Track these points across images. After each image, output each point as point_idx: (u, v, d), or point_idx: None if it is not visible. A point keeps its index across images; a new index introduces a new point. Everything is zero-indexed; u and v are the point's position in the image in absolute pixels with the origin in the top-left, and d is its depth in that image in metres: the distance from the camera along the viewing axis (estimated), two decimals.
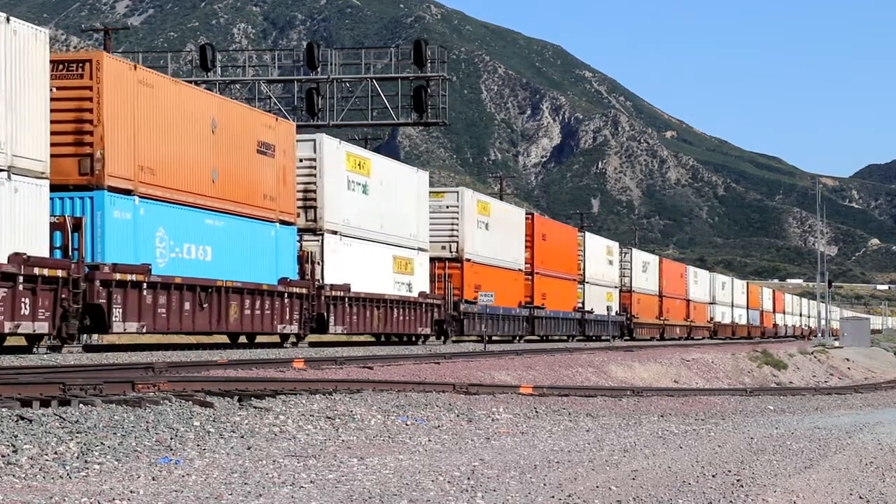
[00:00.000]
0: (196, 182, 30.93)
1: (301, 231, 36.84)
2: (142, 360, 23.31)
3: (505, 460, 13.54)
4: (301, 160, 37.09)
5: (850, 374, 64.24)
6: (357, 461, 13.04)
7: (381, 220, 41.60)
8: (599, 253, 74.40)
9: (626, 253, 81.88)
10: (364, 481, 11.42)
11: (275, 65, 50.39)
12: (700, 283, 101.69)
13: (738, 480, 12.38)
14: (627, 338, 77.77)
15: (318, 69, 47.18)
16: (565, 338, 65.80)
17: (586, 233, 73.96)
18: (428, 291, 45.92)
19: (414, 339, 45.92)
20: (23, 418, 13.37)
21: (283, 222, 35.48)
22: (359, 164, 40.23)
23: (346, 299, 38.58)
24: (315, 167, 37.48)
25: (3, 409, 13.63)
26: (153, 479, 11.25)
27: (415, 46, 47.12)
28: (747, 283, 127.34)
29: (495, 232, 53.63)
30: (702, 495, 11.32)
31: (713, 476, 12.61)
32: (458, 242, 49.48)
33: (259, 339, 37.26)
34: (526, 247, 58.75)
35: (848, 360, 70.97)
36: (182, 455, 12.83)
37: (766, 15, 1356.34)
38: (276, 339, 36.78)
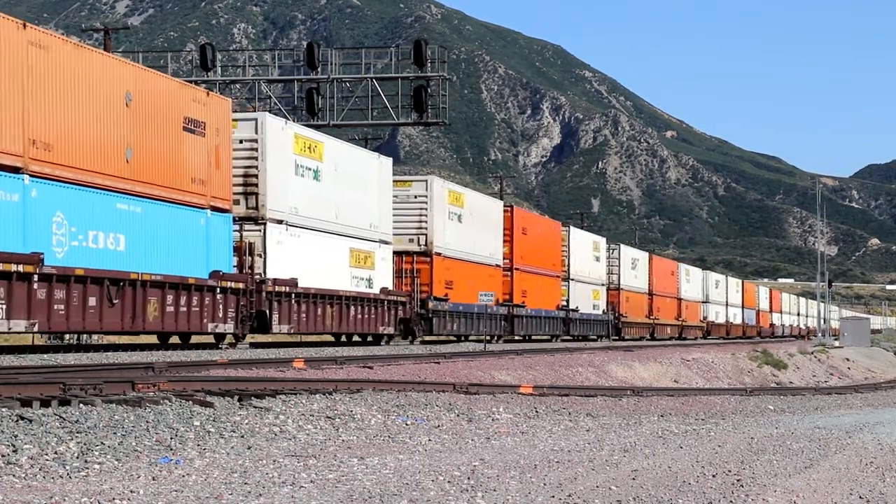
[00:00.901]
0: (105, 161, 27.13)
1: (241, 220, 33.68)
2: (142, 359, 23.30)
3: (505, 460, 13.54)
4: (241, 141, 33.95)
5: (850, 373, 64.24)
6: (357, 461, 13.04)
7: (335, 209, 38.38)
8: (585, 249, 71.36)
9: (613, 249, 78.77)
10: (364, 481, 11.42)
11: (275, 65, 50.35)
12: (692, 281, 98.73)
13: (738, 480, 12.38)
14: (616, 337, 75.01)
15: (319, 69, 47.16)
16: (548, 338, 63.12)
17: (571, 227, 70.46)
18: (391, 287, 42.82)
19: (376, 339, 42.86)
20: (23, 418, 13.37)
21: (216, 209, 31.87)
22: (309, 147, 36.96)
23: (293, 295, 35.29)
24: (257, 149, 34.20)
25: (4, 409, 13.63)
26: (153, 478, 11.25)
27: (415, 46, 47.10)
28: (742, 282, 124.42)
29: (470, 224, 50.31)
30: (702, 495, 11.32)
31: (713, 476, 12.61)
32: (427, 235, 45.83)
33: (195, 339, 34.26)
34: (504, 241, 55.57)
35: (848, 359, 70.95)
36: (182, 455, 12.83)
37: (766, 15, 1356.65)
38: (212, 339, 33.50)
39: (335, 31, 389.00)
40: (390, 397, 20.53)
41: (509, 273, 56.05)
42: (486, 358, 33.45)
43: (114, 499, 10.00)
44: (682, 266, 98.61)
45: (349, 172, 39.59)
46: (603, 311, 73.27)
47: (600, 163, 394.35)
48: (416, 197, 45.98)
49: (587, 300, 69.86)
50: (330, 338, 44.01)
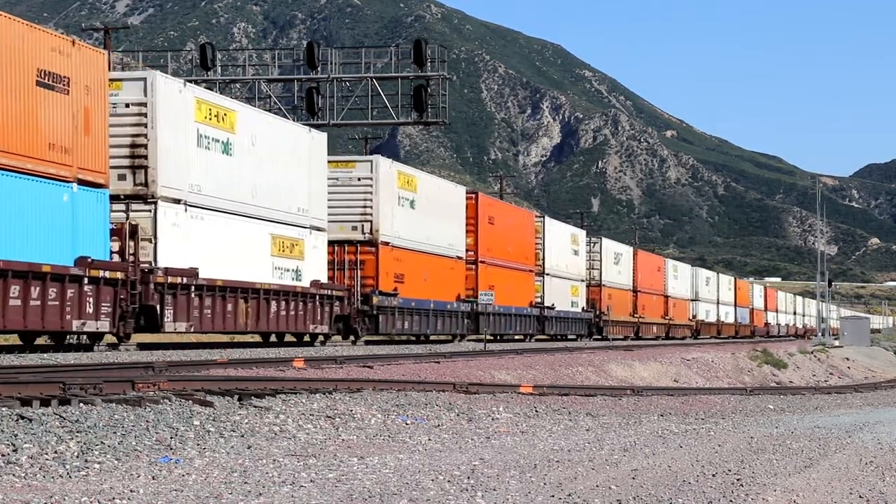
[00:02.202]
0: None
1: (127, 198, 29.00)
2: (141, 359, 23.30)
3: (505, 459, 13.54)
4: (127, 105, 29.23)
5: (850, 373, 64.24)
6: (357, 460, 13.04)
7: (252, 189, 33.78)
8: (562, 241, 66.21)
9: (595, 243, 74.06)
10: (364, 480, 11.42)
11: (275, 64, 50.35)
12: (681, 277, 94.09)
13: (738, 480, 12.38)
14: (597, 337, 71.40)
15: (319, 68, 47.17)
16: (520, 337, 58.93)
17: (546, 218, 65.48)
18: (326, 280, 38.36)
19: (311, 338, 38.60)
20: (23, 417, 13.37)
21: (85, 183, 26.68)
22: (217, 115, 32.14)
23: (192, 288, 30.33)
24: (146, 114, 29.32)
25: (4, 409, 13.63)
26: (153, 478, 11.25)
27: (415, 46, 47.10)
28: (735, 279, 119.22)
29: (424, 211, 45.44)
30: (702, 494, 11.32)
31: (713, 475, 12.61)
32: (372, 222, 41.18)
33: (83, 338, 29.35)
34: (468, 231, 50.85)
35: (848, 359, 70.98)
36: (182, 454, 12.84)
37: (766, 15, 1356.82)
38: (87, 338, 28.75)
39: (335, 30, 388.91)
40: (390, 397, 20.54)
41: (474, 266, 51.72)
42: (485, 357, 33.46)
43: (114, 498, 10.00)
44: (670, 262, 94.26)
45: (270, 147, 35.04)
46: (582, 308, 68.74)
47: (600, 162, 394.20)
48: (359, 179, 41.41)
49: (565, 297, 65.33)
50: (257, 338, 39.71)
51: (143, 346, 31.24)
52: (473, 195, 52.76)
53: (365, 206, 41.28)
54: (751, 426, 20.29)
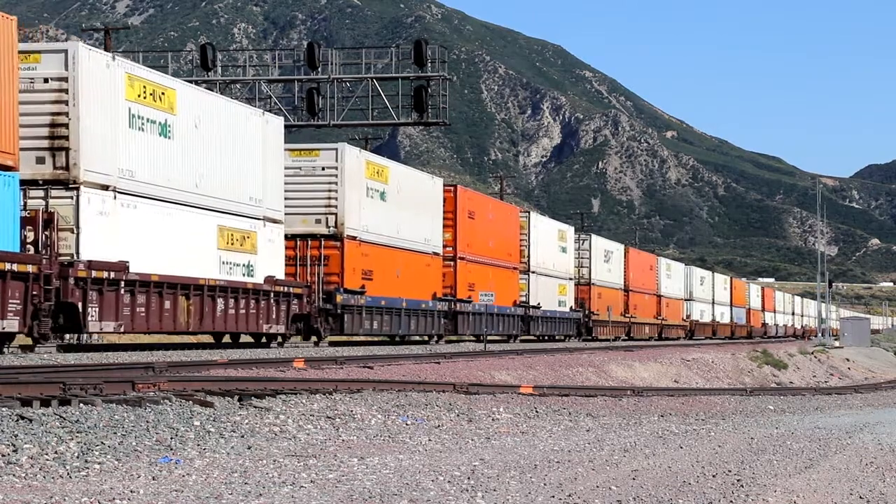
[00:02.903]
0: None
1: (46, 183, 26.31)
2: (141, 359, 23.30)
3: (505, 460, 13.54)
4: (46, 80, 26.51)
5: (851, 374, 64.25)
6: (357, 461, 13.04)
7: (195, 177, 30.80)
8: (549, 238, 62.83)
9: (584, 240, 70.75)
10: (364, 481, 11.42)
11: (275, 64, 50.35)
12: (674, 276, 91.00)
13: (738, 480, 12.38)
14: (586, 337, 68.58)
15: (319, 69, 47.16)
16: (503, 338, 55.75)
17: (531, 213, 61.88)
18: (283, 276, 35.61)
19: (268, 338, 35.61)
20: (23, 418, 13.37)
21: None
22: (153, 94, 29.08)
23: (122, 284, 27.34)
24: (67, 90, 26.55)
25: (4, 409, 13.63)
26: (153, 478, 11.25)
27: (415, 46, 47.09)
28: (731, 279, 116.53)
29: (397, 204, 42.58)
30: (702, 495, 11.32)
31: (713, 476, 12.61)
32: (337, 215, 38.31)
33: None
34: (446, 226, 47.83)
35: (848, 360, 71.00)
36: (182, 455, 12.84)
37: (765, 15, 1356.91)
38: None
39: (335, 31, 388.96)
40: (390, 397, 20.54)
41: (452, 263, 48.52)
42: (486, 358, 33.47)
43: (114, 498, 10.00)
44: (663, 260, 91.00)
45: (218, 130, 32.06)
46: (571, 308, 65.42)
47: (600, 163, 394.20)
48: (323, 169, 38.56)
49: (551, 296, 62.17)
50: (208, 339, 37.22)
51: (66, 349, 28.35)
52: (452, 188, 49.72)
53: (329, 198, 38.43)
54: (751, 427, 20.29)
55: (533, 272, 59.24)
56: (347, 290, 38.43)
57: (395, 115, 48.35)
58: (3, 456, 11.68)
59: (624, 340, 72.79)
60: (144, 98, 28.64)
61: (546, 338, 61.84)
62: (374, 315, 40.46)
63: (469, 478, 11.84)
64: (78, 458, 11.97)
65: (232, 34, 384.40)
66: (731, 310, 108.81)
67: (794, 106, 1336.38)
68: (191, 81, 38.65)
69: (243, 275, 33.17)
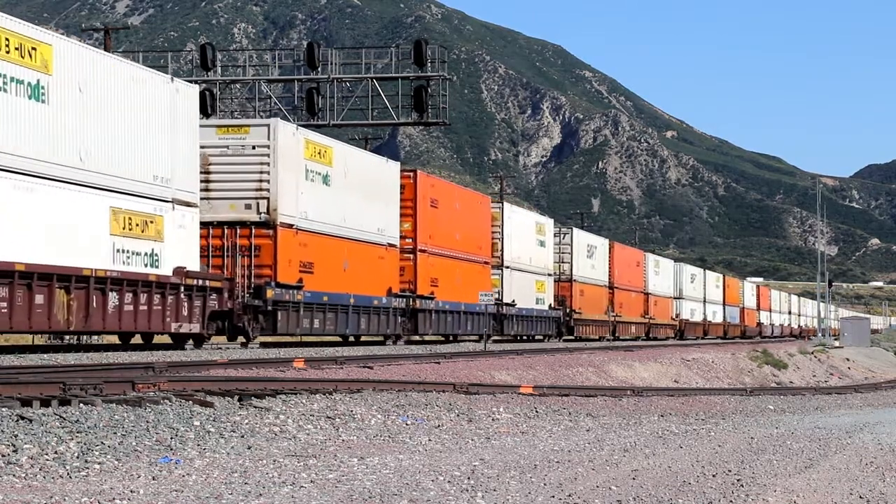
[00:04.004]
0: None
1: None
2: (141, 359, 23.31)
3: (505, 460, 13.54)
4: None
5: (850, 373, 64.26)
6: (357, 461, 13.04)
7: (78, 150, 26.31)
8: (525, 231, 58.61)
9: (564, 234, 66.54)
10: (364, 481, 11.42)
11: (275, 64, 50.36)
12: (663, 274, 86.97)
13: (738, 480, 12.38)
14: (567, 337, 64.63)
15: (319, 69, 47.17)
16: (474, 338, 51.89)
17: (505, 204, 57.35)
18: (197, 268, 31.13)
19: (177, 340, 31.76)
20: (23, 418, 13.37)
21: None
22: (19, 49, 24.56)
23: None
24: None
25: (4, 409, 13.63)
26: (153, 478, 11.25)
27: (415, 46, 47.10)
28: (724, 277, 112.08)
29: (343, 189, 38.26)
30: (702, 495, 11.32)
31: (713, 476, 12.62)
32: (269, 200, 34.11)
33: None
34: (405, 215, 43.52)
35: (848, 359, 71.00)
36: (182, 455, 12.84)
37: (765, 15, 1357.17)
38: None
39: (335, 30, 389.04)
40: (390, 397, 20.54)
41: (411, 256, 44.16)
42: (486, 358, 33.47)
43: (114, 499, 10.00)
44: (651, 256, 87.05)
45: (108, 96, 27.47)
46: (550, 305, 61.32)
47: (600, 163, 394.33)
48: (254, 148, 34.35)
49: (528, 293, 57.94)
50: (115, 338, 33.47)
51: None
52: (411, 172, 45.14)
53: (261, 181, 34.22)
54: (751, 427, 20.29)
55: (507, 267, 55.08)
56: (281, 284, 34.18)
57: (394, 115, 48.34)
58: (3, 456, 11.68)
59: (609, 340, 69.88)
60: (8, 54, 24.23)
61: (522, 337, 57.92)
62: (314, 312, 36.14)
63: (469, 478, 11.84)
64: (78, 458, 11.97)
65: (232, 34, 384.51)
66: (724, 309, 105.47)
67: (794, 106, 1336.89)
68: (190, 81, 38.50)
69: (146, 265, 28.55)
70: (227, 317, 32.63)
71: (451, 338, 49.84)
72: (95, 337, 35.39)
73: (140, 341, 32.18)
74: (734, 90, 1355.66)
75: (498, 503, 10.49)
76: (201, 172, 32.50)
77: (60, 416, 13.68)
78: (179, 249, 30.00)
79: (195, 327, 30.68)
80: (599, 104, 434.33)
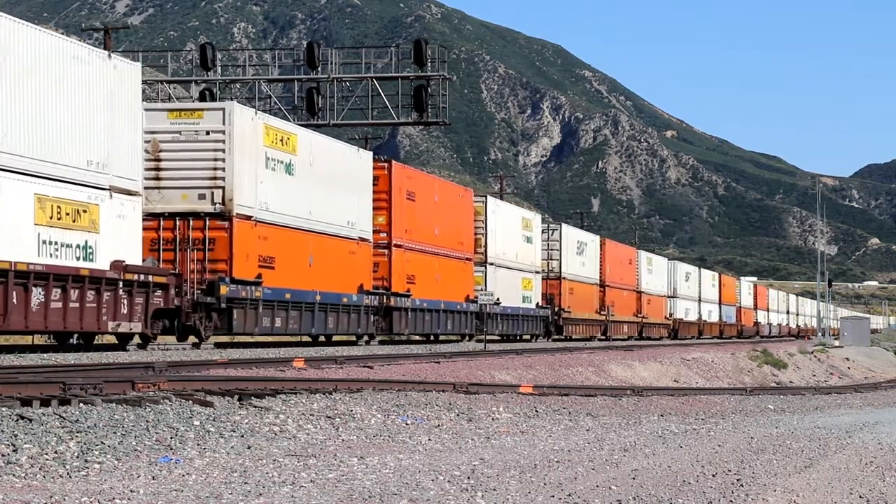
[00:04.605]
0: None
1: None
2: (141, 359, 23.31)
3: (505, 460, 13.54)
4: None
5: (850, 373, 64.27)
6: (357, 460, 13.04)
7: None
8: (511, 226, 56.28)
9: (553, 230, 64.52)
10: (364, 481, 11.42)
11: (275, 64, 50.39)
12: (656, 272, 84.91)
13: (738, 480, 12.38)
14: (556, 337, 62.71)
15: (319, 68, 47.20)
16: (455, 337, 50.14)
17: (489, 197, 55.23)
18: (139, 262, 28.48)
19: (121, 339, 29.49)
20: (23, 417, 13.37)
21: None
22: None
23: None
24: None
25: (4, 409, 13.64)
26: (153, 478, 11.25)
27: (415, 46, 47.12)
28: (719, 275, 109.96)
29: (309, 179, 35.93)
30: (702, 495, 11.32)
31: (713, 475, 12.61)
32: (224, 189, 31.76)
33: None
34: (379, 208, 41.28)
35: (848, 359, 71.02)
36: (182, 454, 12.84)
37: (765, 15, 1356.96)
38: None
39: (335, 30, 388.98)
40: (390, 397, 20.54)
41: (386, 251, 41.86)
42: (486, 358, 33.48)
43: (114, 498, 10.00)
44: (643, 254, 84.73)
45: (31, 70, 25.05)
46: (537, 304, 58.98)
47: (600, 162, 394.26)
48: (208, 133, 32.01)
49: (514, 291, 55.70)
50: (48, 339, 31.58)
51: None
52: (386, 164, 42.64)
53: (215, 168, 31.86)
54: (751, 426, 20.29)
55: (491, 264, 52.74)
56: (237, 279, 31.84)
57: (394, 115, 48.37)
58: (3, 456, 11.68)
59: (599, 340, 68.00)
60: None
61: (507, 337, 55.62)
62: (275, 311, 33.80)
63: (469, 477, 11.84)
64: (78, 457, 11.97)
65: (232, 34, 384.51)
66: (720, 308, 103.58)
67: (794, 106, 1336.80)
68: (190, 81, 38.46)
69: (78, 259, 26.20)
70: (175, 315, 30.20)
71: (431, 337, 48.20)
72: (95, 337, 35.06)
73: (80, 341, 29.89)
74: (734, 90, 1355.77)
75: (498, 503, 10.49)
76: (152, 160, 31.08)
77: (60, 416, 13.68)
78: (118, 242, 27.47)
79: (136, 326, 28.08)
80: (599, 104, 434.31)
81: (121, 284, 27.29)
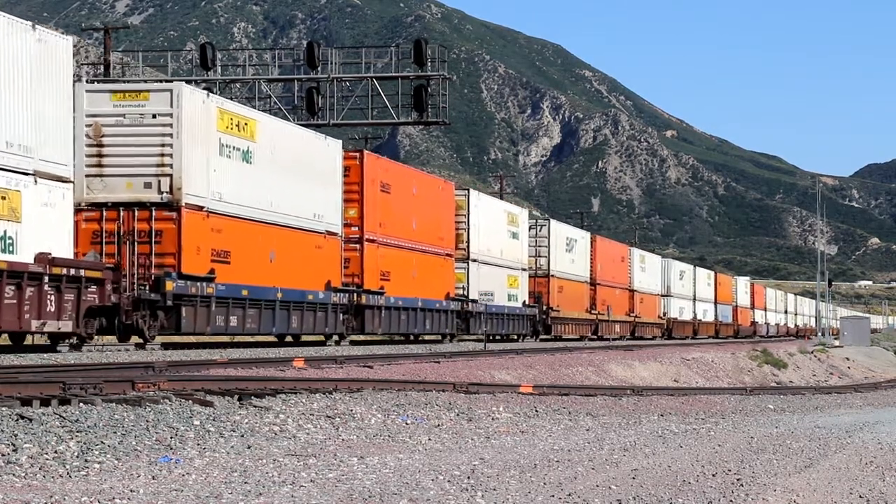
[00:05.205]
0: None
1: None
2: (141, 359, 23.31)
3: (505, 459, 13.54)
4: None
5: (850, 373, 64.26)
6: (357, 460, 13.04)
7: None
8: (496, 221, 54.05)
9: (541, 226, 62.55)
10: (364, 480, 11.42)
11: (275, 64, 50.41)
12: (649, 270, 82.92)
13: (738, 480, 12.38)
14: (544, 336, 60.83)
15: (319, 68, 47.22)
16: (436, 337, 47.56)
17: (471, 191, 52.57)
18: (70, 254, 26.14)
19: (53, 339, 26.77)
20: (23, 417, 13.37)
21: None
22: None
23: None
24: None
25: (4, 408, 13.63)
26: (153, 478, 11.25)
27: (415, 45, 47.14)
28: (715, 274, 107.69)
29: (271, 169, 33.61)
30: (702, 494, 11.32)
31: (713, 475, 12.61)
32: (172, 177, 29.42)
33: None
34: (350, 200, 39.05)
35: (848, 359, 70.99)
36: (182, 454, 12.84)
37: (765, 15, 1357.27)
38: None
39: (335, 30, 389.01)
40: (390, 396, 20.54)
41: (358, 246, 39.61)
42: (486, 357, 33.49)
43: (114, 498, 10.00)
44: (636, 251, 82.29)
45: None
46: (524, 302, 56.85)
47: (600, 162, 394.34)
48: (154, 117, 29.61)
49: (499, 289, 53.58)
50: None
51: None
52: (357, 153, 40.46)
53: (163, 155, 29.50)
54: (751, 426, 20.29)
55: (473, 260, 50.50)
56: (186, 275, 29.51)
57: (394, 115, 48.39)
58: (3, 456, 11.68)
59: (590, 340, 66.10)
60: None
61: (494, 337, 53.29)
62: (230, 308, 31.47)
63: (469, 477, 11.84)
64: (78, 457, 11.97)
65: (231, 33, 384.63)
66: (716, 307, 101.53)
67: (794, 106, 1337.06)
68: (190, 81, 38.42)
69: None
70: (111, 312, 27.47)
71: (411, 337, 46.24)
72: (95, 337, 34.92)
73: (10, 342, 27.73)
74: (734, 90, 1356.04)
75: (498, 502, 10.49)
76: (94, 145, 29.11)
77: (60, 416, 13.68)
78: (44, 232, 24.95)
79: (66, 326, 25.44)
80: (599, 104, 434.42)
81: (46, 279, 24.57)
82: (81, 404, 14.56)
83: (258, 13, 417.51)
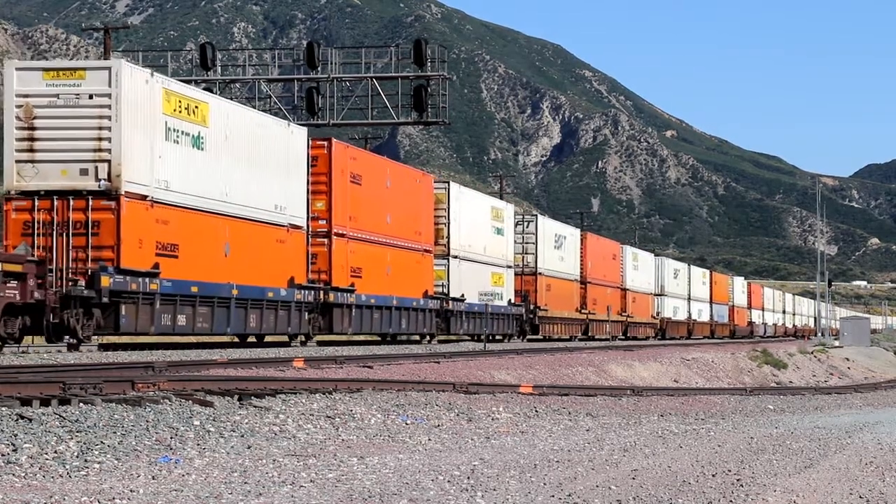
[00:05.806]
0: None
1: None
2: (141, 358, 23.29)
3: (505, 459, 13.54)
4: None
5: (850, 373, 64.25)
6: (357, 460, 13.04)
7: None
8: (479, 216, 51.68)
9: (528, 221, 60.15)
10: (364, 480, 11.42)
11: (275, 64, 50.39)
12: (642, 268, 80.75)
13: (738, 480, 12.38)
14: (532, 336, 58.96)
15: (319, 68, 47.19)
16: (415, 337, 45.77)
17: (451, 184, 49.93)
18: (12, 248, 25.85)
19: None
20: (23, 417, 13.37)
21: None
22: None
23: None
24: None
25: (4, 408, 13.63)
26: (153, 478, 11.25)
27: (415, 46, 47.12)
28: (710, 273, 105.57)
29: (226, 156, 31.43)
30: (702, 495, 11.32)
31: (713, 475, 12.61)
32: (110, 163, 27.26)
33: None
34: (317, 192, 36.80)
35: (848, 359, 70.97)
36: (182, 454, 12.83)
37: (765, 15, 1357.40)
38: None
39: (335, 30, 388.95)
40: (390, 397, 20.54)
41: (325, 240, 37.27)
42: (485, 357, 33.49)
43: (114, 498, 10.00)
44: (629, 249, 79.72)
45: None
46: (509, 301, 54.68)
47: (600, 162, 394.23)
48: (91, 97, 27.38)
49: (482, 287, 50.71)
50: None
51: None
52: (325, 142, 37.58)
53: (100, 139, 27.30)
54: (751, 426, 20.29)
55: (454, 257, 48.23)
56: (126, 269, 27.33)
57: (394, 115, 48.35)
58: (3, 455, 11.68)
59: (580, 340, 64.55)
60: None
61: (475, 337, 51.47)
62: (178, 307, 29.19)
63: (469, 477, 11.84)
64: (77, 457, 11.97)
65: (231, 33, 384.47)
66: (711, 307, 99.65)
67: (794, 106, 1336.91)
68: (190, 81, 38.38)
69: None
70: (37, 312, 25.38)
71: (388, 338, 44.55)
72: (94, 337, 34.55)
73: None
74: (734, 90, 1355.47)
75: (498, 503, 10.49)
76: (25, 128, 27.26)
77: (60, 416, 13.68)
78: None
79: None
80: (599, 104, 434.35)
81: None
82: (81, 404, 14.56)
83: (258, 13, 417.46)
